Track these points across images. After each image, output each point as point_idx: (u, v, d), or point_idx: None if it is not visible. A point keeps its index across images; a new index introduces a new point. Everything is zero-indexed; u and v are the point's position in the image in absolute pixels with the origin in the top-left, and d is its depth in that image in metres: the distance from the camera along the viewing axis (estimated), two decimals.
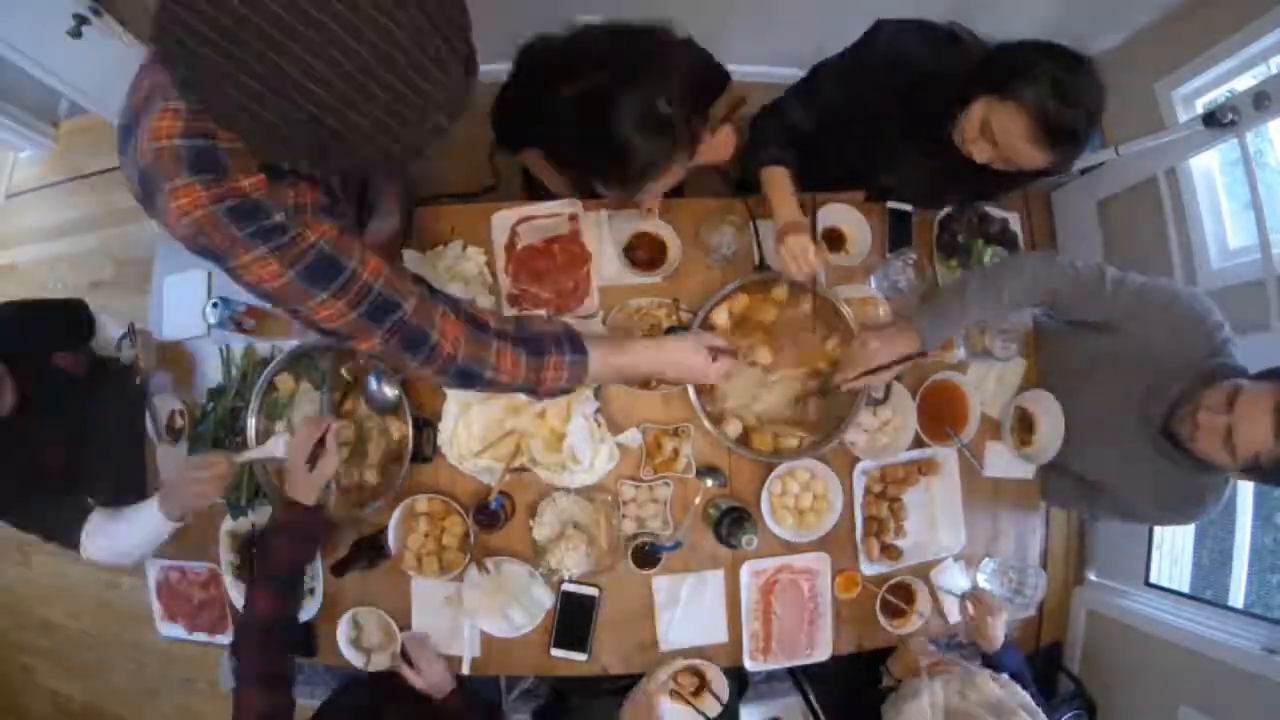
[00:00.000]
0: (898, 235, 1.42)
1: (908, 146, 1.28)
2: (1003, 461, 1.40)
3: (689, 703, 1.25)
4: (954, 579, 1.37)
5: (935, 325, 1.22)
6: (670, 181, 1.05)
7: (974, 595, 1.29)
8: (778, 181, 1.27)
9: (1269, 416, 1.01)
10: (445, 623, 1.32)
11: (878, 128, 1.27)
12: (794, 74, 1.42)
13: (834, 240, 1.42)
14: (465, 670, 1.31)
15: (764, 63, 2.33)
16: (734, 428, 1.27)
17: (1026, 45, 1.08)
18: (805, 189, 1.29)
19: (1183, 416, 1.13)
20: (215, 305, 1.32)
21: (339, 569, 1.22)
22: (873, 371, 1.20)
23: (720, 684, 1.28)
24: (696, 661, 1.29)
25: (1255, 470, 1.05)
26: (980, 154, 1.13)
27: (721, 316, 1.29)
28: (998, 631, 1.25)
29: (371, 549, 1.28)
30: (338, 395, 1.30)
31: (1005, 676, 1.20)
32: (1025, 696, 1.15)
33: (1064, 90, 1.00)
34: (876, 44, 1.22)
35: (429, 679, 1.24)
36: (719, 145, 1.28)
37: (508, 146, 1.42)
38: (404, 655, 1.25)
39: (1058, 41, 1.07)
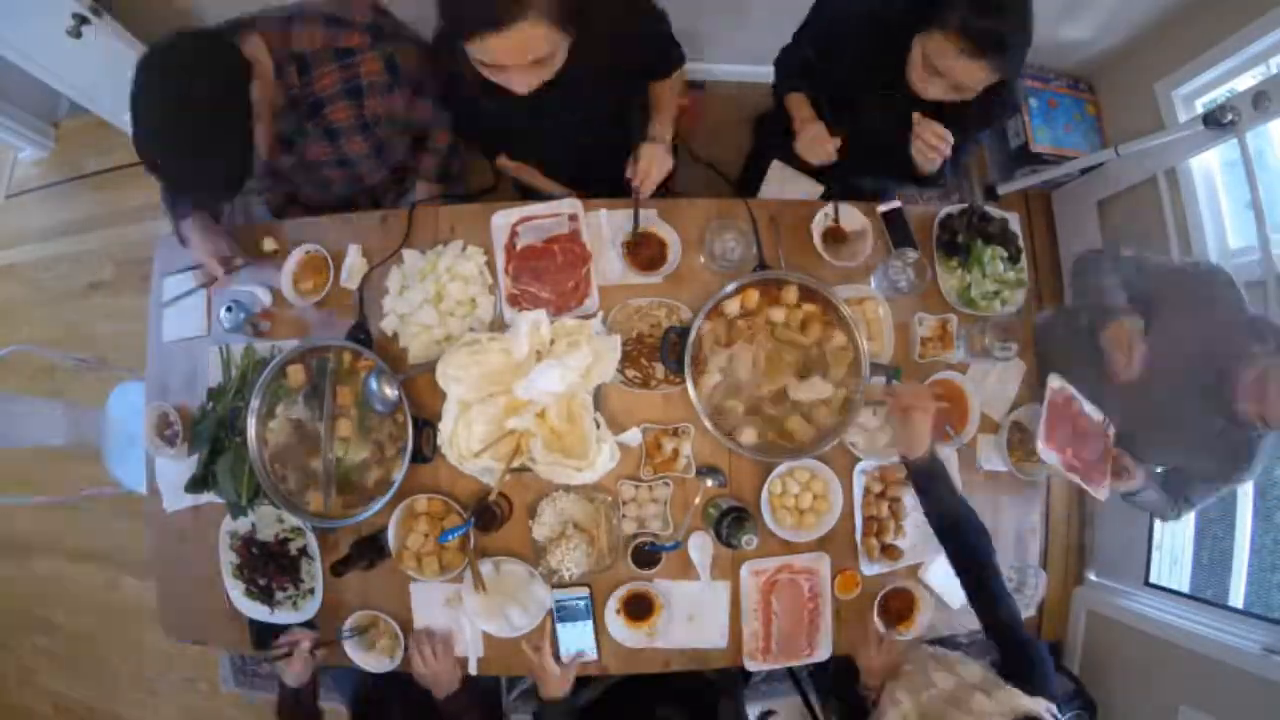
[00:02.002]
0: (897, 235, 1.41)
1: (876, 98, 1.33)
2: (995, 456, 1.40)
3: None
4: (941, 576, 1.37)
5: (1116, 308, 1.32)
6: (539, 68, 1.03)
7: (889, 389, 1.24)
8: (798, 101, 1.42)
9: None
10: (445, 623, 1.32)
11: (848, 80, 1.35)
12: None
13: (836, 239, 1.41)
14: (473, 670, 1.31)
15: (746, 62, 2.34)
16: (748, 436, 1.27)
17: None
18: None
19: (1228, 388, 1.19)
20: (229, 309, 1.32)
21: (338, 569, 1.22)
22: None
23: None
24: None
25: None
26: (933, 90, 1.20)
27: (733, 307, 1.30)
28: (921, 432, 1.16)
29: (371, 549, 1.28)
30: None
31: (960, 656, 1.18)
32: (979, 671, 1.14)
33: (982, 3, 1.07)
34: (826, 8, 1.34)
35: (433, 670, 1.25)
36: (658, 156, 1.30)
37: (483, 152, 1.47)
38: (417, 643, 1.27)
39: None
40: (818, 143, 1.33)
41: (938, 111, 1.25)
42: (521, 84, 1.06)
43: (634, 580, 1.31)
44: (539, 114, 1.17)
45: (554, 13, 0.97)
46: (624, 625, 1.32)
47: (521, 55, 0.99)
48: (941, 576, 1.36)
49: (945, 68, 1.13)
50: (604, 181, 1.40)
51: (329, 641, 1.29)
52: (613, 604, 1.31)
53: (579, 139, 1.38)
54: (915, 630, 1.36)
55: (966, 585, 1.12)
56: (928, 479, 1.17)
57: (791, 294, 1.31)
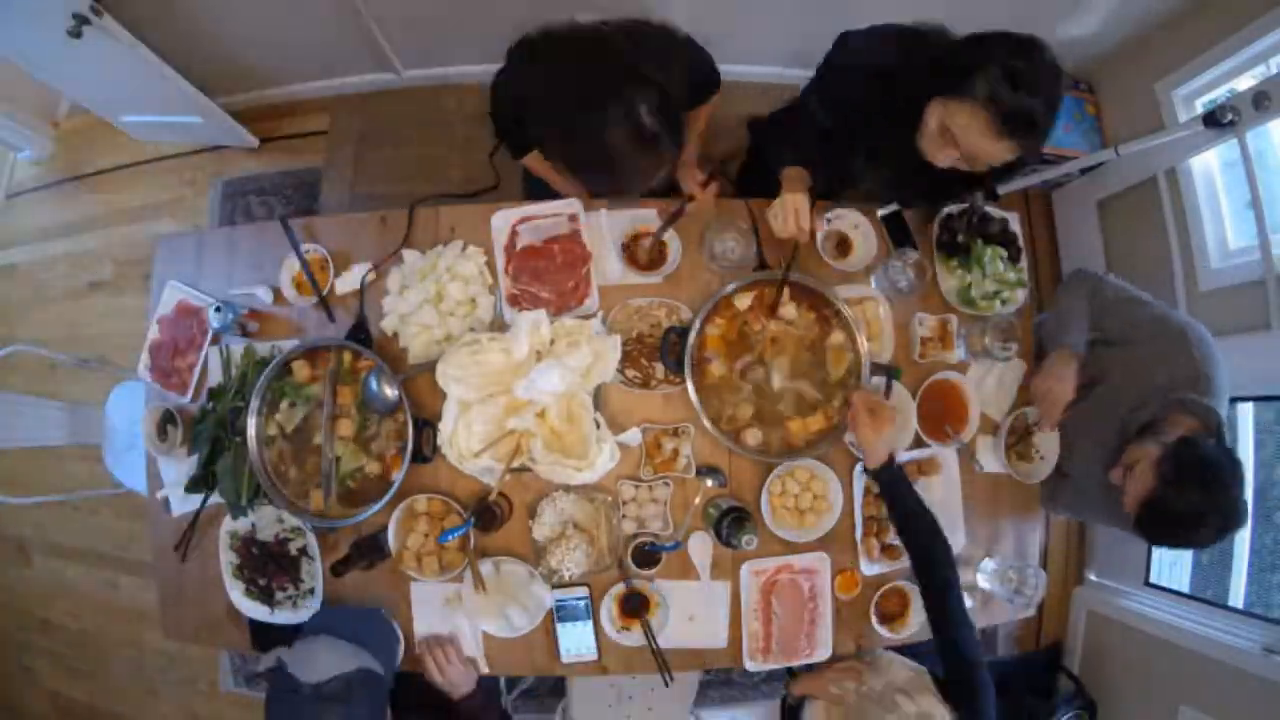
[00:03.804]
0: (898, 237, 1.41)
1: (878, 151, 1.29)
2: (994, 457, 1.40)
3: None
4: None
5: (1067, 338, 1.33)
6: (661, 174, 1.07)
7: (860, 393, 1.24)
8: (792, 174, 1.29)
9: (1151, 471, 1.13)
10: (446, 623, 1.32)
11: (853, 134, 1.27)
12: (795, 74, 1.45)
13: (840, 247, 1.42)
14: (484, 670, 1.32)
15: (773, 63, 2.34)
16: (754, 437, 1.27)
17: (973, 39, 1.06)
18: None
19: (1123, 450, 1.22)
20: (219, 310, 1.32)
21: (338, 569, 1.22)
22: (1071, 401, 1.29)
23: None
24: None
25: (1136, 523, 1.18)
26: (944, 159, 1.11)
27: (744, 301, 1.30)
28: (877, 444, 1.17)
29: (371, 549, 1.28)
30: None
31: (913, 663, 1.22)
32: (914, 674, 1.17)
33: (1016, 77, 0.97)
34: (842, 55, 1.24)
35: (449, 676, 1.25)
36: (705, 197, 1.31)
37: (510, 148, 1.43)
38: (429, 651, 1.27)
39: (1006, 30, 1.05)
40: (789, 213, 1.21)
41: (938, 176, 1.19)
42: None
43: (632, 579, 1.31)
44: None
45: (672, 142, 1.01)
46: (617, 623, 1.31)
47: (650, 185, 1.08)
48: None
49: (966, 142, 1.04)
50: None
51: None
52: (608, 603, 1.30)
53: None
54: (908, 629, 1.37)
55: (922, 594, 1.15)
56: (886, 485, 1.20)
57: (782, 293, 1.30)
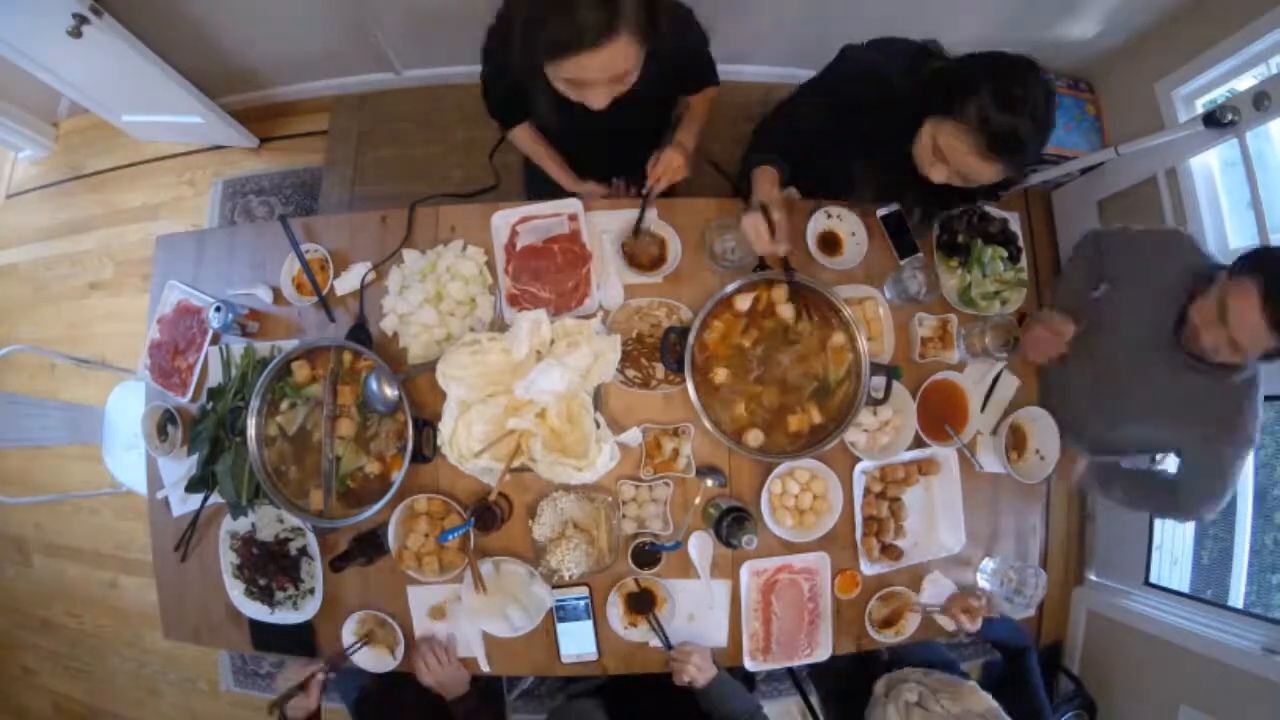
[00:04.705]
0: (901, 241, 1.41)
1: (873, 163, 1.30)
2: (994, 457, 1.40)
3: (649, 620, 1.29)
4: (939, 592, 1.38)
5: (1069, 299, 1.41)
6: (617, 79, 1.02)
7: (959, 599, 1.30)
8: (760, 176, 1.29)
9: (1259, 317, 1.05)
10: (445, 624, 1.32)
11: (846, 144, 1.29)
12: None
13: (829, 245, 1.42)
14: (485, 669, 1.32)
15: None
16: (755, 438, 1.27)
17: (966, 60, 1.09)
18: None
19: (1188, 334, 1.19)
20: (219, 309, 1.32)
21: (337, 564, 1.22)
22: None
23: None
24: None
25: (1271, 355, 1.11)
26: (937, 175, 1.14)
27: (744, 302, 1.30)
28: (970, 624, 1.28)
29: (370, 545, 1.28)
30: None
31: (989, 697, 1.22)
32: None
33: (1005, 99, 1.00)
34: (842, 68, 1.25)
35: (439, 677, 1.26)
36: (675, 162, 1.32)
37: (502, 123, 1.44)
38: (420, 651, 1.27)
39: (1001, 50, 1.07)
40: (754, 236, 1.18)
41: (929, 186, 1.21)
42: (601, 100, 1.05)
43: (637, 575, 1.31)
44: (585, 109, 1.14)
45: (642, 29, 0.97)
46: (624, 619, 1.31)
47: (609, 71, 0.99)
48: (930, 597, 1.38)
49: (956, 161, 1.07)
50: (627, 171, 1.41)
51: (338, 665, 1.30)
52: (614, 598, 1.30)
53: (615, 138, 1.37)
54: (903, 635, 1.37)
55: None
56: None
57: (782, 293, 1.31)
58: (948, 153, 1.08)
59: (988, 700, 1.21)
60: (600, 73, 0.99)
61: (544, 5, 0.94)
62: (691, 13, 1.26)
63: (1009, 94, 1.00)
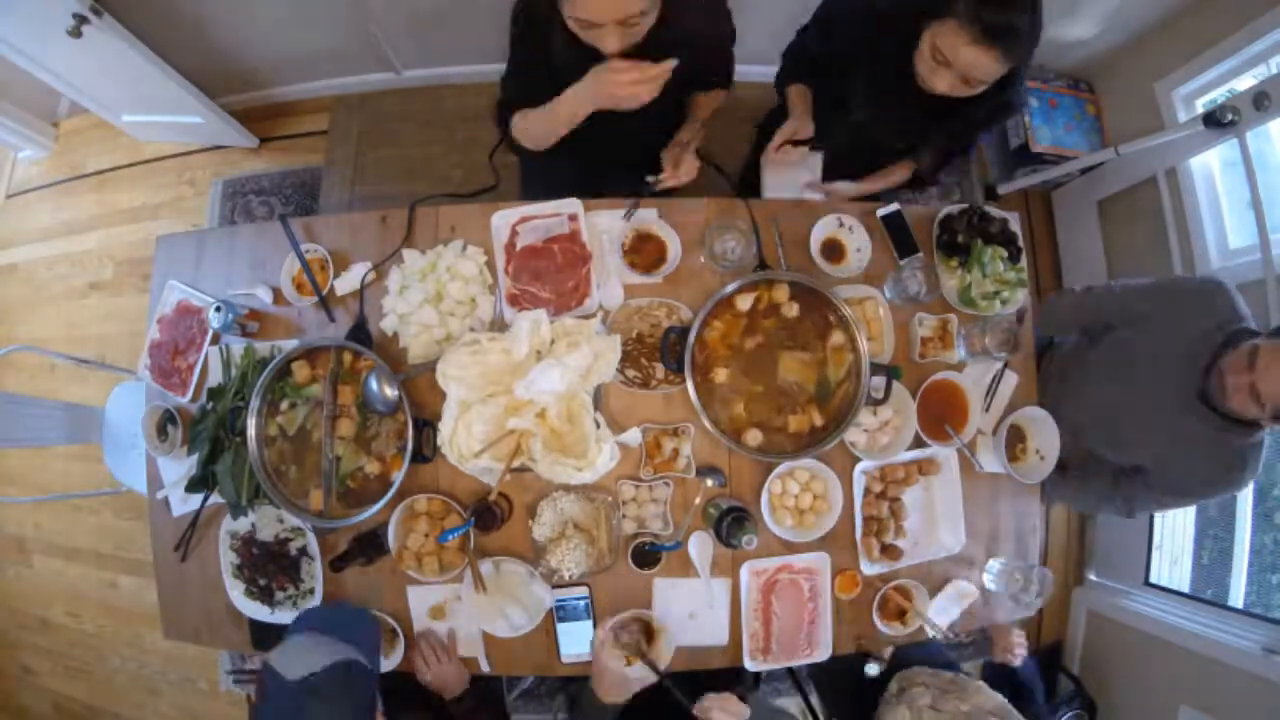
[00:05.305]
0: (901, 241, 1.41)
1: (880, 92, 1.33)
2: (994, 457, 1.40)
3: (641, 658, 1.18)
4: (944, 612, 1.38)
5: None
6: (631, 28, 1.05)
7: (1006, 634, 1.39)
8: (798, 93, 1.42)
9: None
10: (445, 623, 1.32)
11: (852, 75, 1.34)
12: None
13: (833, 252, 1.42)
14: (485, 669, 1.31)
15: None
16: (754, 438, 1.27)
17: None
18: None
19: (1214, 381, 1.19)
20: (219, 309, 1.32)
21: (337, 564, 1.22)
22: None
23: (666, 642, 1.22)
24: (638, 612, 1.25)
25: None
26: (941, 83, 1.17)
27: (745, 302, 1.30)
28: (1019, 652, 1.37)
29: (370, 545, 1.28)
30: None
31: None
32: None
33: None
34: (835, 9, 1.33)
35: (438, 675, 1.25)
36: (675, 175, 1.32)
37: (508, 111, 1.41)
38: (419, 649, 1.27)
39: None
40: (790, 152, 1.34)
41: (943, 110, 1.25)
42: (614, 43, 1.06)
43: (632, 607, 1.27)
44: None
45: None
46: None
47: (620, 10, 1.00)
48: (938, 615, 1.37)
49: (955, 58, 1.12)
50: (632, 174, 1.41)
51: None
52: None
53: (628, 128, 1.36)
54: (909, 628, 1.36)
55: None
56: None
57: (782, 293, 1.31)
58: (947, 52, 1.12)
59: (997, 697, 1.21)
60: (609, 12, 1.01)
61: None
62: (727, 5, 1.29)
63: None
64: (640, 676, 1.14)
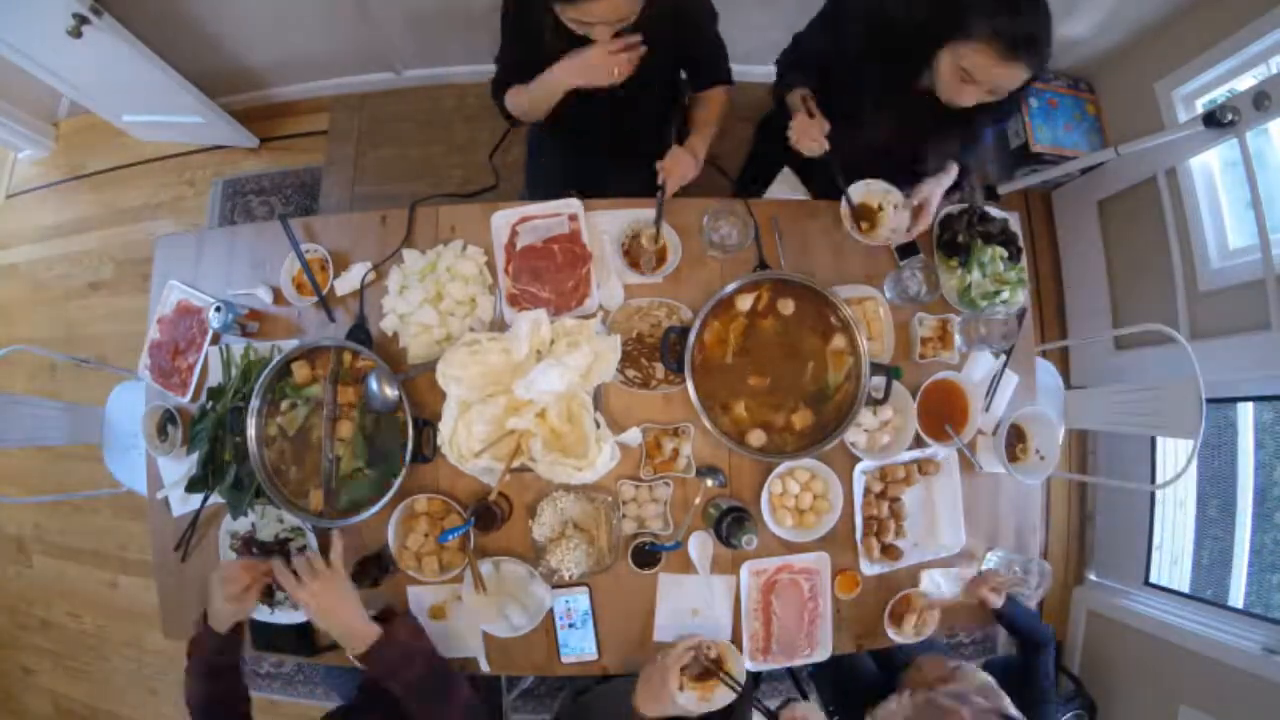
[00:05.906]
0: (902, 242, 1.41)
1: (877, 102, 1.33)
2: (994, 457, 1.40)
3: (698, 688, 1.18)
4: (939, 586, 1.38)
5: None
6: (620, 8, 1.11)
7: (988, 576, 1.33)
8: (799, 97, 1.38)
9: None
10: (445, 623, 1.32)
11: (856, 77, 1.34)
12: None
13: (867, 217, 1.40)
14: (484, 669, 1.31)
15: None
16: (757, 438, 1.27)
17: None
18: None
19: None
20: (219, 309, 1.32)
21: None
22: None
23: (739, 667, 1.21)
24: (717, 641, 1.24)
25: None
26: (968, 98, 1.19)
27: (745, 302, 1.30)
28: (997, 599, 1.31)
29: (376, 567, 1.27)
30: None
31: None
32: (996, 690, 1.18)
33: (1008, 3, 1.08)
34: (846, 6, 1.32)
35: (322, 603, 0.99)
36: (683, 160, 1.34)
37: (503, 88, 1.46)
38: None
39: None
40: (813, 128, 1.29)
41: (947, 116, 1.25)
42: (606, 35, 1.16)
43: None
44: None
45: None
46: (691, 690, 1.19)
47: (617, 15, 1.12)
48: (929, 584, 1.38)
49: (984, 75, 1.13)
50: (629, 169, 1.42)
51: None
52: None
53: (616, 109, 1.39)
54: (924, 634, 1.36)
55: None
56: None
57: (782, 294, 1.30)
58: (975, 72, 1.13)
59: (983, 675, 1.20)
60: (602, 18, 1.11)
61: None
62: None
63: None
64: (683, 705, 1.13)
